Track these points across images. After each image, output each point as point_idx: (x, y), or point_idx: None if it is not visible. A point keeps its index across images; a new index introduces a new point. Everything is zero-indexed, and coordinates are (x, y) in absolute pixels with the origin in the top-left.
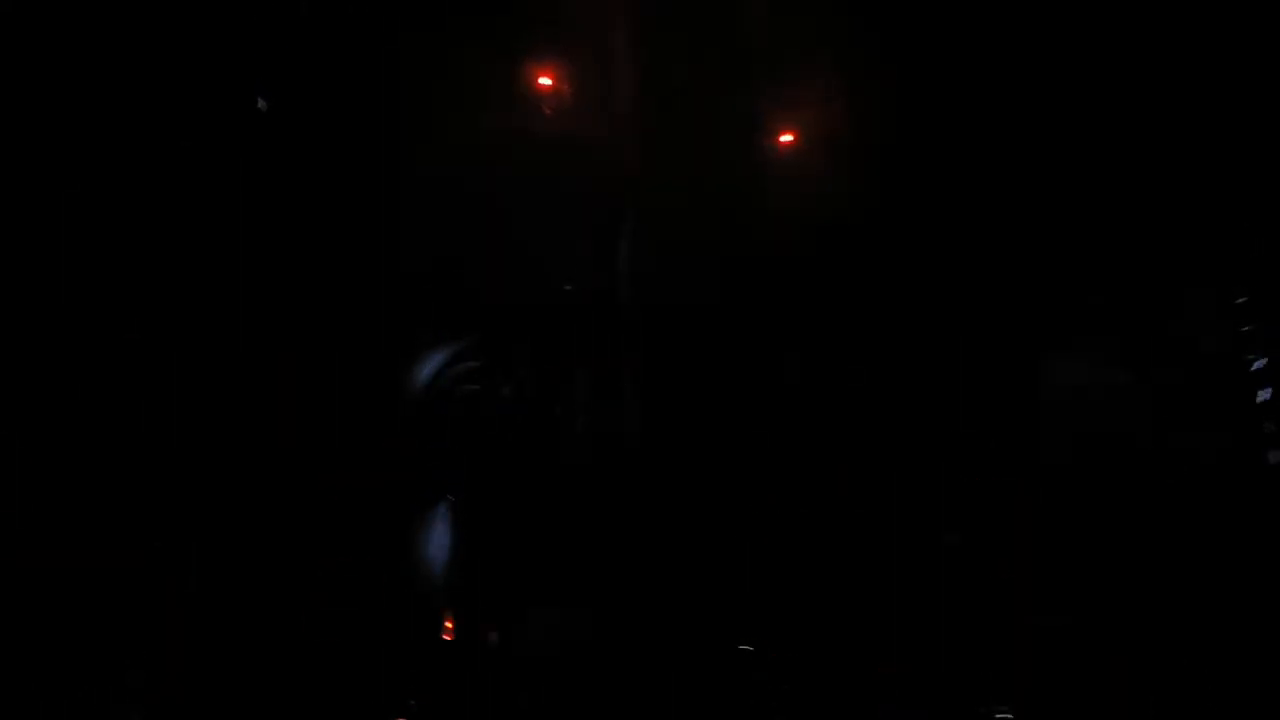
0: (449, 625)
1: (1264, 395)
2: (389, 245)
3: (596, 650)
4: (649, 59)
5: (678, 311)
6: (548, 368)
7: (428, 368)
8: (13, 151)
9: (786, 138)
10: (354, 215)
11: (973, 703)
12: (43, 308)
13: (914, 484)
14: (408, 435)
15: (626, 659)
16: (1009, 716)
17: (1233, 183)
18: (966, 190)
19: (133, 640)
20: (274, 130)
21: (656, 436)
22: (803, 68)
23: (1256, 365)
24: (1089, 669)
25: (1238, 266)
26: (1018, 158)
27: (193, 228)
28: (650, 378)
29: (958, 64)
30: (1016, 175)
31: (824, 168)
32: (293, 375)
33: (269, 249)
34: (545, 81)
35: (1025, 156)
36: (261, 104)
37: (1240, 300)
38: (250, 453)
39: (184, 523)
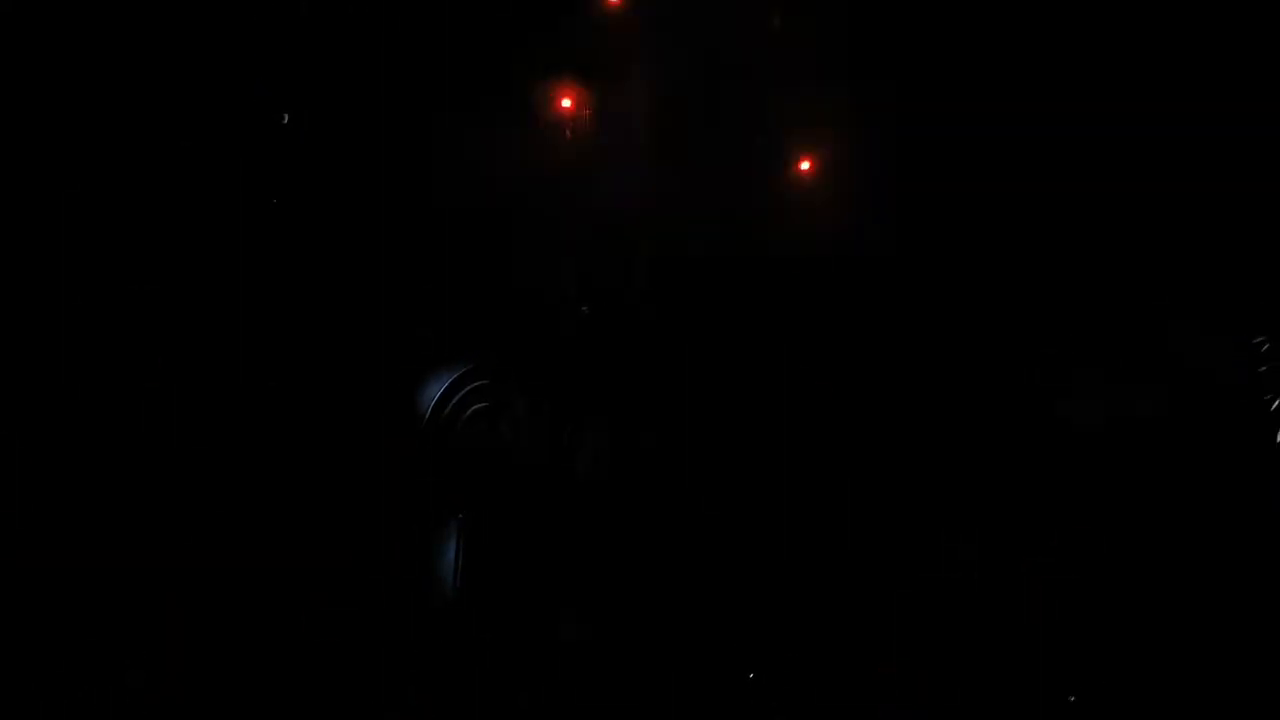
0: None
1: None
2: (406, 259)
3: (596, 652)
4: (668, 81)
5: (692, 330)
6: (560, 387)
7: (438, 383)
8: (13, 151)
9: (803, 165)
10: (367, 229)
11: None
12: (43, 308)
13: (913, 485)
14: (418, 450)
15: (626, 660)
16: None
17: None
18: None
19: (133, 640)
20: (276, 133)
21: (668, 450)
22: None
23: (1277, 405)
24: (1091, 670)
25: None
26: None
27: (193, 228)
28: (662, 396)
29: (959, 77)
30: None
31: (834, 191)
32: (300, 379)
33: (281, 253)
34: (565, 103)
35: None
36: (285, 117)
37: (1259, 340)
38: (253, 454)
39: (184, 523)
